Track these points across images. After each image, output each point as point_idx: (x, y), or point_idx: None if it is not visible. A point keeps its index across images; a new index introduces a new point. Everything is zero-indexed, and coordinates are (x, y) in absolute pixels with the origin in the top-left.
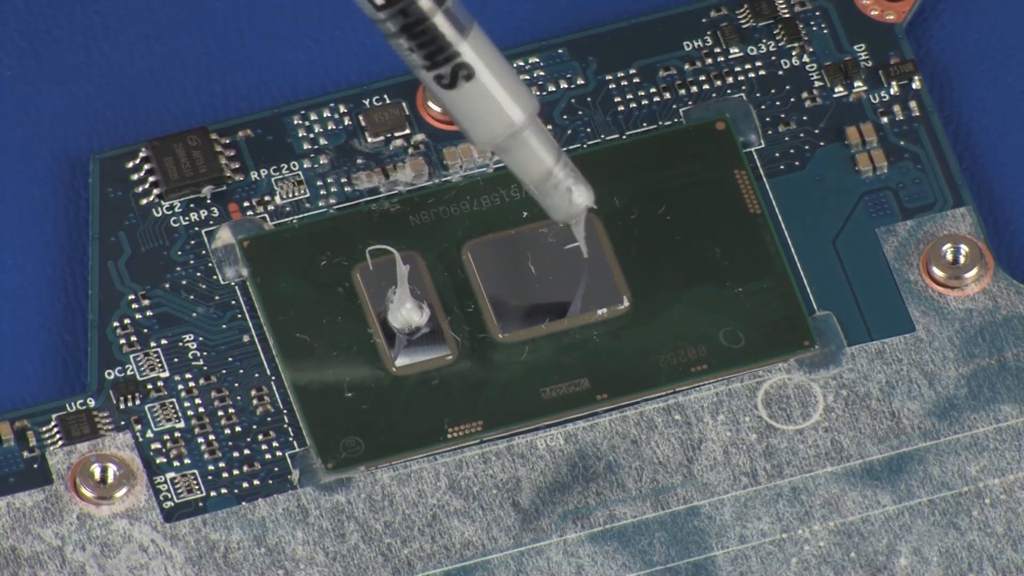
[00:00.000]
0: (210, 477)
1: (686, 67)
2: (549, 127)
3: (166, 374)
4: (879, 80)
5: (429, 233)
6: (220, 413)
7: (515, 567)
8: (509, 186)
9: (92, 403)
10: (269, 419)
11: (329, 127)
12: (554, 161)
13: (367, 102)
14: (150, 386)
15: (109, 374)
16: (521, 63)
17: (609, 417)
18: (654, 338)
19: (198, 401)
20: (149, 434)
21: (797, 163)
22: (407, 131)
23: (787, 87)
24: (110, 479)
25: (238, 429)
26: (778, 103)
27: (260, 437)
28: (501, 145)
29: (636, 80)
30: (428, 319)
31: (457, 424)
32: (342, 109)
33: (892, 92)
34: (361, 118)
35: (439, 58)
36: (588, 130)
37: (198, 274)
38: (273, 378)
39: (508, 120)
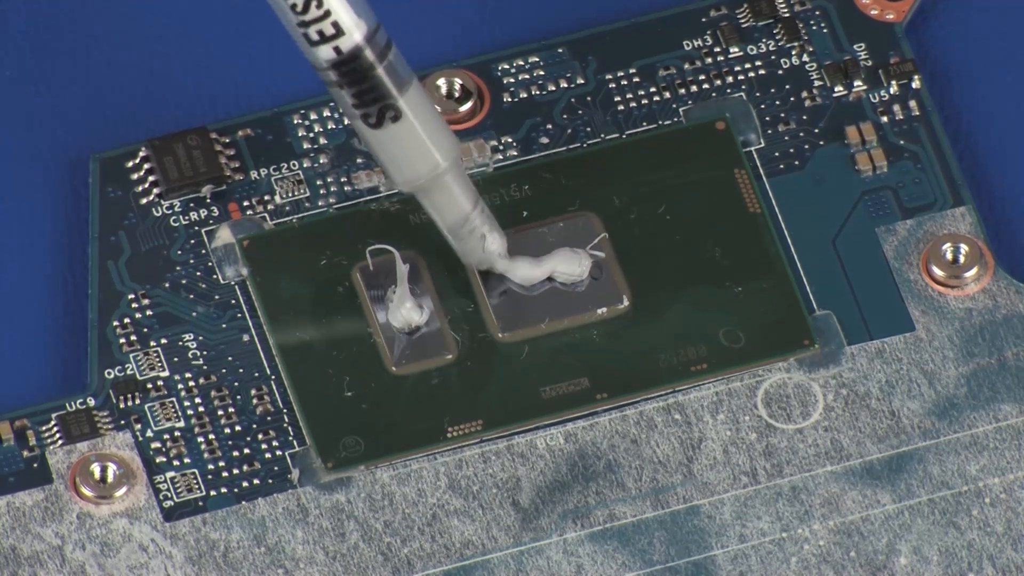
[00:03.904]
0: (210, 476)
1: (686, 67)
2: (549, 126)
3: (166, 373)
4: (879, 79)
5: (429, 232)
6: (220, 412)
7: (515, 566)
8: (509, 186)
9: (92, 402)
10: (269, 418)
11: (329, 126)
12: (472, 206)
13: None
14: (150, 385)
15: (109, 373)
16: (521, 63)
17: (609, 416)
18: (654, 337)
19: (198, 400)
20: (149, 433)
21: (797, 163)
22: None
23: (787, 87)
24: (110, 478)
25: (238, 428)
26: (778, 103)
27: (260, 436)
28: (422, 187)
29: (636, 80)
30: (428, 318)
31: (457, 424)
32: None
33: (892, 91)
34: None
35: (367, 98)
36: (588, 130)
37: (198, 273)
38: (273, 377)
39: (433, 162)
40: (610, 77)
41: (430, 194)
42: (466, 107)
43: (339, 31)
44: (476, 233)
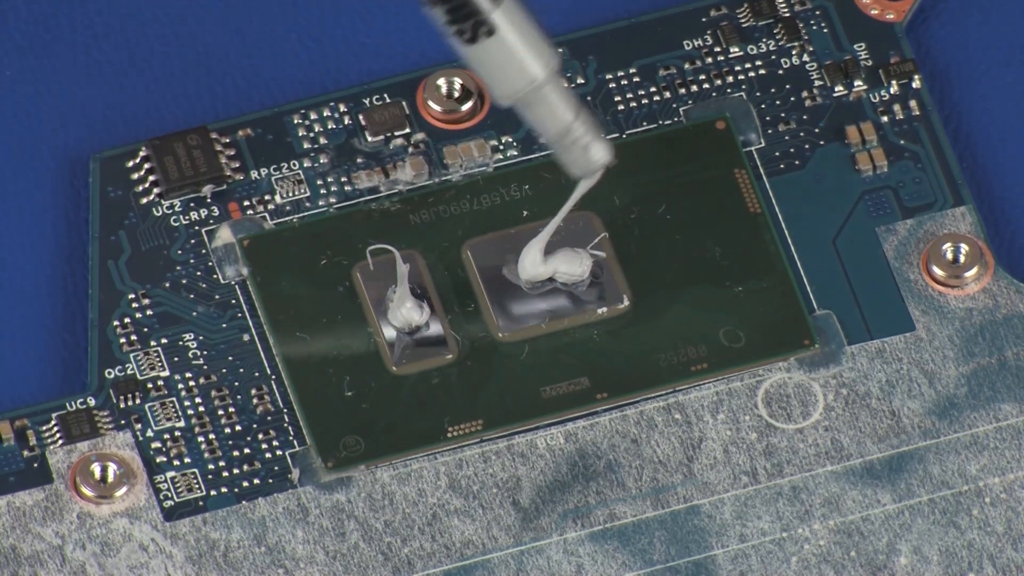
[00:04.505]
0: (210, 476)
1: (686, 66)
2: None
3: (166, 373)
4: (879, 79)
5: (429, 232)
6: (220, 412)
7: (515, 566)
8: (509, 185)
9: (92, 402)
10: (269, 418)
11: (329, 126)
12: (573, 117)
13: (367, 101)
14: (150, 385)
15: (109, 373)
16: None
17: (609, 416)
18: (654, 337)
19: (198, 400)
20: (149, 433)
21: (797, 162)
22: (407, 130)
23: (787, 86)
24: (110, 478)
25: (238, 428)
26: (778, 102)
27: (260, 436)
28: (521, 100)
29: (636, 79)
30: (428, 318)
31: (457, 423)
32: (342, 108)
33: (892, 91)
34: (361, 117)
35: (460, 14)
36: None
37: (198, 273)
38: (273, 377)
39: (529, 76)
40: (610, 77)
41: (530, 107)
42: (466, 107)
43: None
44: (579, 143)
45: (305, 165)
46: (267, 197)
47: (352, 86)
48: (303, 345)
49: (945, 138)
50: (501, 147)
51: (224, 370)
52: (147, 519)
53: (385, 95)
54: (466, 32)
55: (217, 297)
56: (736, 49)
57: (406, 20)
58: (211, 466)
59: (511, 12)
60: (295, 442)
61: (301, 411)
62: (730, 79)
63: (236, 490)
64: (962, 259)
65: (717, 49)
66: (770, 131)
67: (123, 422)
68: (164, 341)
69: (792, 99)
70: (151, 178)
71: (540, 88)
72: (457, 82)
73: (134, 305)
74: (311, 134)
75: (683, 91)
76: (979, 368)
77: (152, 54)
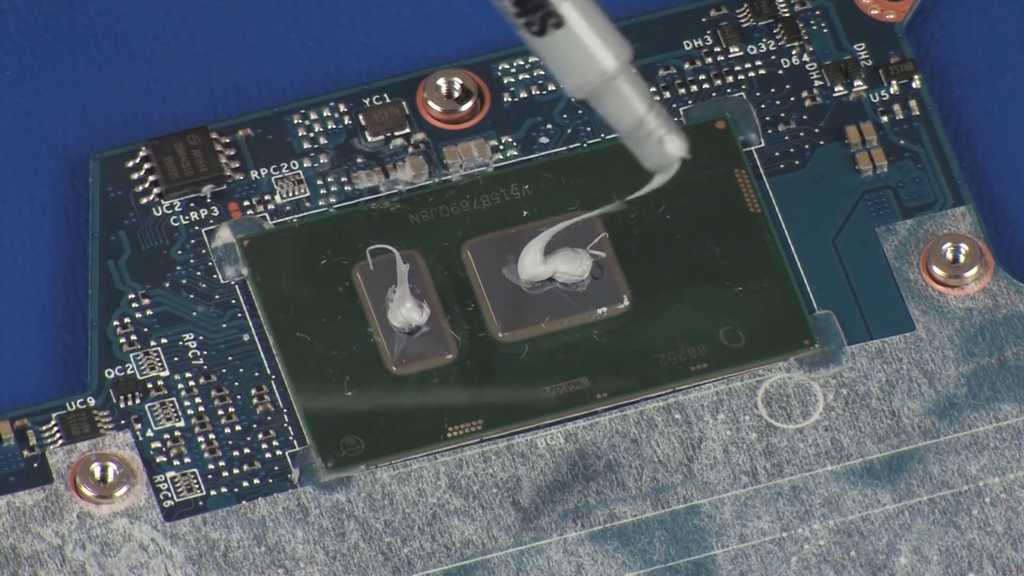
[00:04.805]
0: (210, 476)
1: (686, 66)
2: (549, 126)
3: (166, 373)
4: (879, 79)
5: (429, 232)
6: (220, 412)
7: (515, 566)
8: (509, 185)
9: (92, 402)
10: (269, 418)
11: (329, 126)
12: (646, 110)
13: (367, 101)
14: (150, 385)
15: (109, 373)
16: (522, 62)
17: (609, 416)
18: (654, 337)
19: (198, 400)
20: (149, 433)
21: (797, 162)
22: (407, 130)
23: (787, 86)
24: (110, 478)
25: (238, 428)
26: (778, 102)
27: (260, 436)
28: (593, 92)
29: None
30: (428, 318)
31: (457, 423)
32: (342, 108)
33: (892, 91)
34: (361, 117)
35: (529, 6)
36: (588, 129)
37: (198, 273)
38: (273, 377)
39: (599, 68)
40: None
41: (602, 99)
42: (466, 107)
43: None
44: (653, 136)
45: (305, 165)
46: (267, 197)
47: (352, 86)
48: (303, 345)
49: (945, 138)
50: (501, 147)
51: (224, 370)
52: (147, 519)
53: (385, 95)
54: (535, 24)
55: (217, 297)
56: (736, 49)
57: (406, 20)
58: (211, 466)
59: (580, 3)
60: (295, 442)
61: (301, 411)
62: (730, 79)
63: (236, 490)
64: (962, 259)
65: (717, 49)
66: (770, 131)
67: (123, 422)
68: (164, 341)
69: (792, 99)
70: (151, 178)
71: (612, 80)
72: (457, 82)
73: (134, 305)
74: (311, 134)
75: (683, 91)
76: (979, 368)
77: (152, 54)
